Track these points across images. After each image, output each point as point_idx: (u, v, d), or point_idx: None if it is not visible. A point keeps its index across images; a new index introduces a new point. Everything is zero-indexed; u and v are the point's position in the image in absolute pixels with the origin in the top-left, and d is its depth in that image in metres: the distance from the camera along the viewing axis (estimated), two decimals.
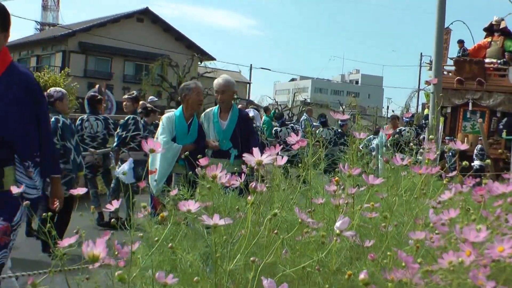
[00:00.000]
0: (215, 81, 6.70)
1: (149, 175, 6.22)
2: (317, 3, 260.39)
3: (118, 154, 9.57)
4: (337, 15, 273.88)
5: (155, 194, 5.91)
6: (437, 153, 2.77)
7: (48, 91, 7.64)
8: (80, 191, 2.31)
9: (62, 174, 7.40)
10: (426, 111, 14.67)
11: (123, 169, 8.80)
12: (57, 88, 7.96)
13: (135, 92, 10.18)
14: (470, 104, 14.57)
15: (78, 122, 9.83)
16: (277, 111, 28.19)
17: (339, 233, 1.93)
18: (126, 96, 9.96)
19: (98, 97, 10.33)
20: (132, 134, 9.31)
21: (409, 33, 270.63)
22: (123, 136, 9.24)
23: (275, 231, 2.21)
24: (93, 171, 9.72)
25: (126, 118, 9.52)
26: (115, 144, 9.38)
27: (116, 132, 9.47)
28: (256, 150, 2.24)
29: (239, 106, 17.25)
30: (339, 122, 14.96)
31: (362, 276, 1.73)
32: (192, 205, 2.11)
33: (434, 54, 13.52)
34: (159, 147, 2.25)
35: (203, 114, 6.81)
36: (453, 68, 14.90)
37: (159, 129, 6.41)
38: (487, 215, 2.04)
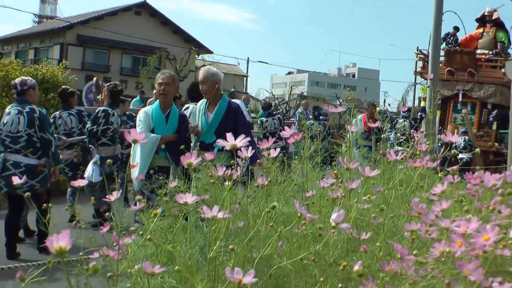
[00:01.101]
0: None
1: (131, 170, 6.04)
2: None
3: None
4: (334, 9, 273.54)
5: (137, 188, 5.74)
6: (430, 144, 2.78)
7: (19, 79, 7.09)
8: (82, 182, 2.24)
9: (37, 169, 6.91)
10: (422, 103, 14.57)
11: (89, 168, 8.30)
12: (25, 77, 7.26)
13: (117, 83, 9.42)
14: (461, 95, 14.43)
15: (51, 120, 8.90)
16: (274, 103, 28.11)
17: (335, 226, 1.93)
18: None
19: (70, 90, 9.64)
20: (102, 128, 8.55)
21: (406, 27, 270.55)
22: (93, 130, 8.51)
23: (271, 223, 2.22)
24: (73, 169, 9.15)
25: (96, 111, 8.80)
26: (87, 139, 8.67)
27: (86, 127, 8.74)
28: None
29: None
30: (320, 117, 14.62)
31: (356, 267, 1.73)
32: (189, 198, 2.10)
33: (431, 49, 13.47)
34: (142, 137, 2.19)
35: (197, 104, 6.44)
36: (443, 58, 14.68)
37: (137, 123, 6.21)
38: (480, 206, 2.05)
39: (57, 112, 9.49)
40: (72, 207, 8.52)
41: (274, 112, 14.88)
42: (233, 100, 7.27)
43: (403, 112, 14.11)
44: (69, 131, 9.21)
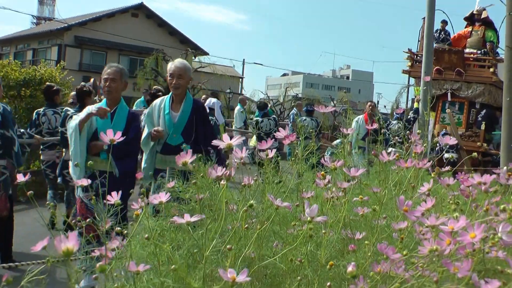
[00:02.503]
0: (170, 64, 5.69)
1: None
2: None
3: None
4: (328, 11, 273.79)
5: (77, 195, 5.29)
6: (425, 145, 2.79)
7: None
8: (84, 182, 2.20)
9: None
10: (416, 105, 14.52)
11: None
12: None
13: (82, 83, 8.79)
14: (449, 95, 14.27)
15: (34, 116, 8.68)
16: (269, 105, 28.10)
17: (310, 220, 1.93)
18: None
19: (55, 88, 9.04)
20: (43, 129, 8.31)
21: (399, 29, 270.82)
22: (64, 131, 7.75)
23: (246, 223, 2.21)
24: (55, 170, 8.47)
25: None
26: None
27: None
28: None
29: (203, 96, 16.56)
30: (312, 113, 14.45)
31: (350, 268, 1.71)
32: (163, 197, 2.10)
33: (424, 51, 13.46)
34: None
35: (153, 104, 5.84)
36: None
37: None
38: (472, 207, 2.07)
39: (41, 109, 8.89)
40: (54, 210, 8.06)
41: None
42: (213, 99, 6.96)
43: (396, 114, 14.01)
44: (52, 130, 8.67)
